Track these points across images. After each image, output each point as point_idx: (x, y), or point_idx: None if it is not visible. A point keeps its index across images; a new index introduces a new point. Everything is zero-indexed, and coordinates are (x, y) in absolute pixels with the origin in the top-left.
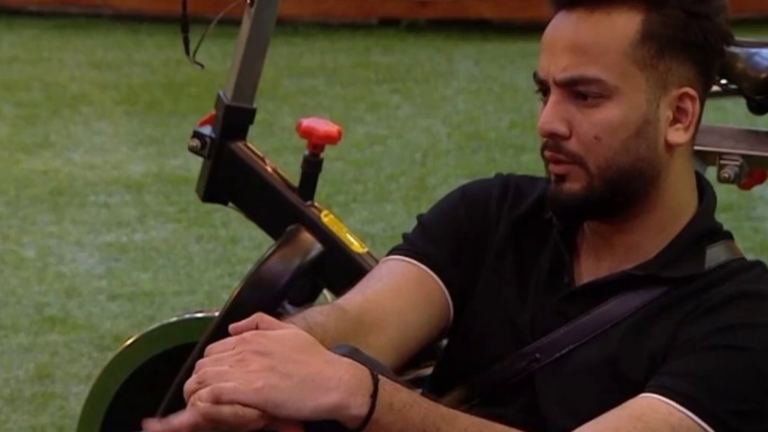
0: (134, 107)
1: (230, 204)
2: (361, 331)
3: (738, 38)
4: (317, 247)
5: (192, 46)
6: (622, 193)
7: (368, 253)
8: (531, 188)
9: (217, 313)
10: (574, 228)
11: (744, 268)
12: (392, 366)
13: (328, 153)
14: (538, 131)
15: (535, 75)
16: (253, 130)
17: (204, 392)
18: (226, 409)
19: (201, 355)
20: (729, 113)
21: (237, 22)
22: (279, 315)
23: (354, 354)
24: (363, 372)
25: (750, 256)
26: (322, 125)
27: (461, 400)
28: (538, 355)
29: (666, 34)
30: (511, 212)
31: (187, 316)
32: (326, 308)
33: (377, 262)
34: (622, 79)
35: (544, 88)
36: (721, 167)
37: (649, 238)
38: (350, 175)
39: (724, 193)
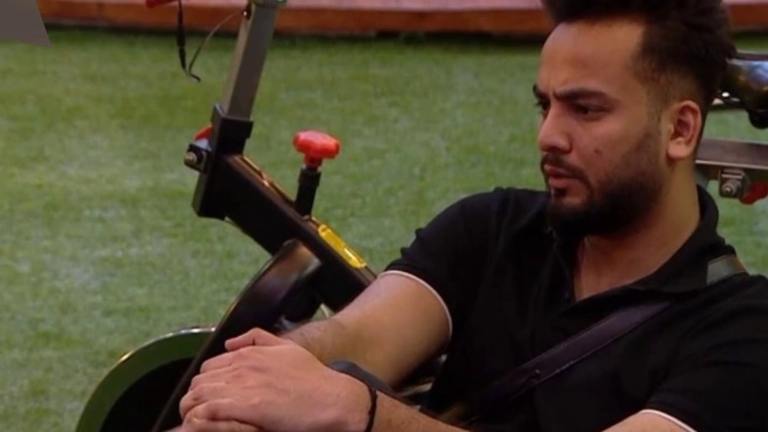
0: (129, 121)
1: (227, 218)
2: (359, 347)
3: (740, 51)
4: (314, 262)
5: (188, 59)
6: (623, 207)
7: (366, 268)
8: (531, 202)
9: (213, 329)
10: (575, 243)
11: (746, 283)
12: (390, 382)
13: (325, 167)
14: (538, 145)
15: (534, 88)
16: (249, 144)
17: (200, 408)
18: (222, 426)
19: (197, 371)
20: (731, 126)
21: (233, 35)
22: (276, 330)
23: (352, 370)
24: (361, 388)
25: (752, 271)
26: (320, 139)
27: (460, 416)
28: (538, 371)
29: (667, 46)
30: (510, 227)
31: (183, 331)
32: (324, 324)
33: (375, 277)
34: (623, 92)
35: (544, 102)
36: (722, 181)
37: (650, 253)
38: (348, 189)
39: (726, 208)
